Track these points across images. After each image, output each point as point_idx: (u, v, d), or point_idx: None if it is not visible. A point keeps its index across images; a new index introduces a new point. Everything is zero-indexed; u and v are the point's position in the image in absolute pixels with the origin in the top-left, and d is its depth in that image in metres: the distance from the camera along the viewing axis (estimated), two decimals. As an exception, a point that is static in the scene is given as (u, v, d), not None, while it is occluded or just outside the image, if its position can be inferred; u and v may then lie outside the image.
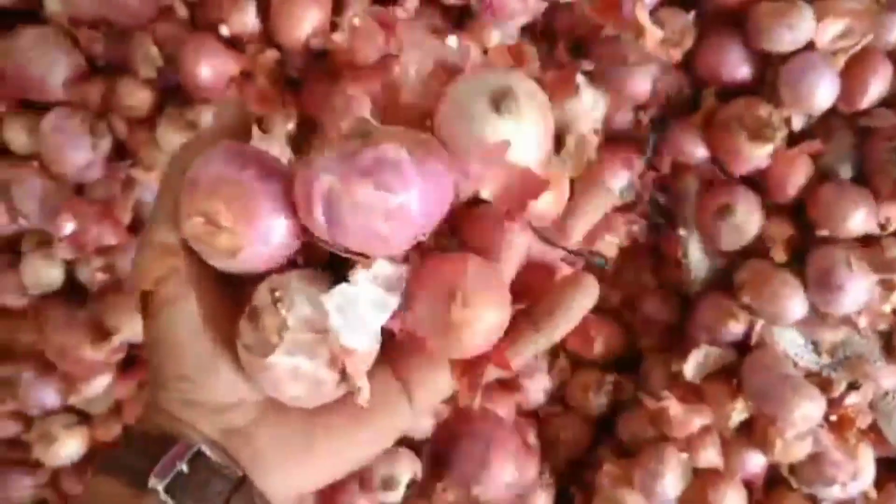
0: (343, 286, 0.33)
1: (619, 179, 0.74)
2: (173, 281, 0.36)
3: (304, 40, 0.72)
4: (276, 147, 0.73)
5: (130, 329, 0.80)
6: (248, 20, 0.72)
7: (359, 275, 0.33)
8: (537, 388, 0.87)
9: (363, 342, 0.34)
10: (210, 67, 0.72)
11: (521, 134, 0.33)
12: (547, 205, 0.36)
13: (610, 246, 0.77)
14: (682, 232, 0.75)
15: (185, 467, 0.34)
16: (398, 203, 0.31)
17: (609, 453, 0.85)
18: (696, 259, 0.76)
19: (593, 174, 0.72)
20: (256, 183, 0.34)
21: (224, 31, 0.72)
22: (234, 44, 0.73)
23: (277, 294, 0.34)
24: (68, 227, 0.77)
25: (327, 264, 0.37)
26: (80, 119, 0.76)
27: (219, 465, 0.35)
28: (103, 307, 0.81)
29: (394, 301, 0.34)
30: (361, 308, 0.34)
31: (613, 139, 0.75)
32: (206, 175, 0.35)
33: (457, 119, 0.33)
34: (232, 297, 0.37)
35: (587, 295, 0.36)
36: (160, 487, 0.34)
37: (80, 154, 0.76)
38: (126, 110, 0.76)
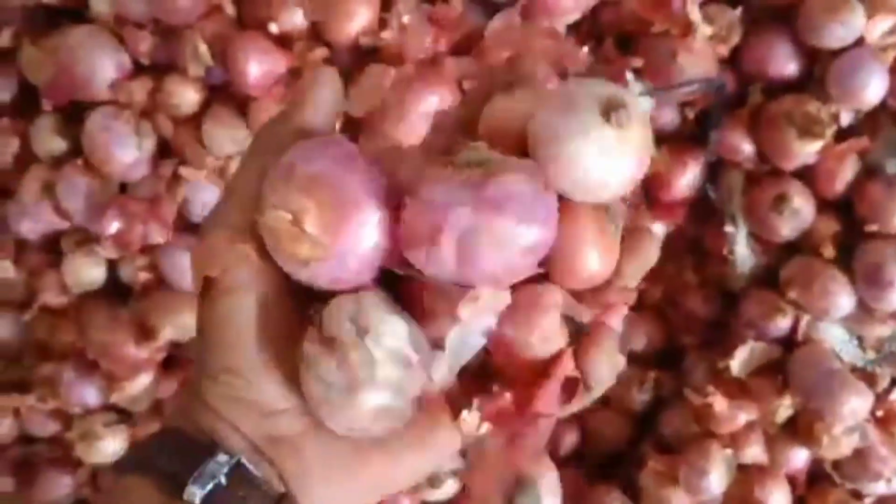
0: (458, 329, 0.31)
1: (690, 175, 0.74)
2: (241, 269, 0.33)
3: (352, 37, 0.72)
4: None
5: (174, 328, 0.80)
6: (296, 18, 0.73)
7: (467, 309, 0.30)
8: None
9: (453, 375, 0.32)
10: (259, 65, 0.72)
11: (623, 150, 0.30)
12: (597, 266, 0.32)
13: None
14: (728, 228, 0.75)
15: (223, 479, 0.32)
16: (536, 238, 0.30)
17: (651, 450, 0.86)
18: (742, 255, 0.77)
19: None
20: (361, 195, 0.31)
21: (273, 28, 0.72)
22: (282, 41, 0.74)
23: (363, 325, 0.30)
24: (114, 225, 0.77)
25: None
26: (125, 118, 0.76)
27: (259, 479, 0.32)
28: (146, 306, 0.81)
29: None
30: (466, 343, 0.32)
31: (663, 138, 0.75)
32: (305, 167, 0.31)
33: (561, 123, 0.30)
34: (296, 299, 0.34)
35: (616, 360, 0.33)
36: (197, 500, 0.32)
37: (126, 152, 0.76)
38: (172, 109, 0.77)
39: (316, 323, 0.31)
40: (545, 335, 0.31)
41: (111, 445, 0.86)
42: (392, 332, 0.31)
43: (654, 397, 0.87)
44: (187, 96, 0.76)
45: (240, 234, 0.33)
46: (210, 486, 0.32)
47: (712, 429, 0.79)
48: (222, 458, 0.32)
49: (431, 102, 0.69)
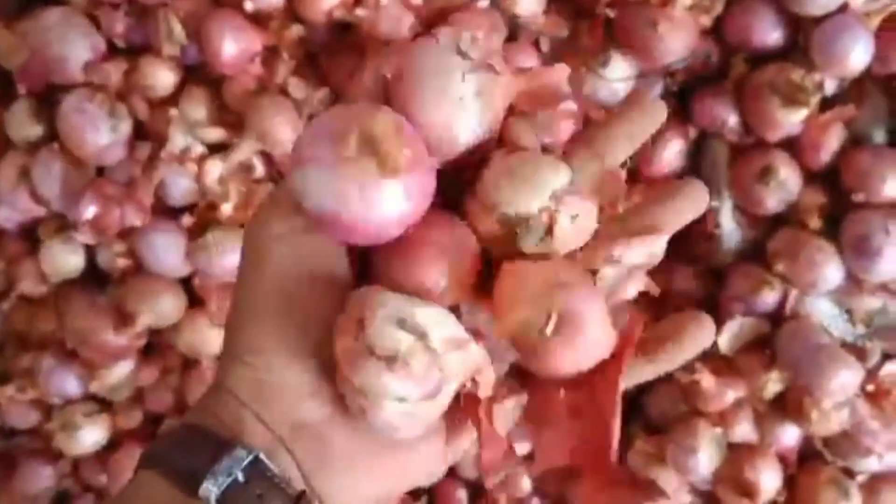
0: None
1: (674, 149, 0.74)
2: (304, 242, 0.33)
3: (328, 14, 0.71)
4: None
5: (152, 313, 0.79)
6: (271, -6, 0.72)
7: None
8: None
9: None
10: (234, 44, 0.71)
11: None
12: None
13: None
14: (714, 202, 0.74)
15: (241, 475, 0.31)
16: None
17: (639, 430, 0.84)
18: (729, 229, 0.76)
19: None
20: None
21: (248, 6, 0.71)
22: (257, 20, 0.72)
23: (415, 323, 0.30)
24: (90, 210, 0.76)
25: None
26: (100, 100, 0.75)
27: (277, 477, 0.32)
28: (125, 292, 0.80)
29: None
30: None
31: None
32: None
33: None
34: (333, 283, 0.33)
35: (705, 333, 0.34)
36: (213, 497, 0.31)
37: (101, 136, 0.75)
38: (147, 90, 0.75)
39: (353, 316, 0.31)
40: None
41: (91, 436, 0.85)
42: (442, 322, 0.31)
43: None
44: (162, 77, 0.75)
45: (289, 212, 0.32)
46: (227, 483, 0.31)
47: (700, 407, 0.78)
48: (240, 453, 0.31)
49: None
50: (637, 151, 0.72)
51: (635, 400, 0.86)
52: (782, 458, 0.79)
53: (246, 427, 0.32)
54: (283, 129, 0.72)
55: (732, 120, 0.74)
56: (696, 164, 0.77)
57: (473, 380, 0.32)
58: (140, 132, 0.77)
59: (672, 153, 0.76)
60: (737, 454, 0.78)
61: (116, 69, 0.75)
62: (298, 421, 0.33)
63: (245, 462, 0.31)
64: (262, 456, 0.32)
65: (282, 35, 0.72)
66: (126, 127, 0.76)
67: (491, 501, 0.86)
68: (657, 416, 0.84)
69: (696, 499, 0.82)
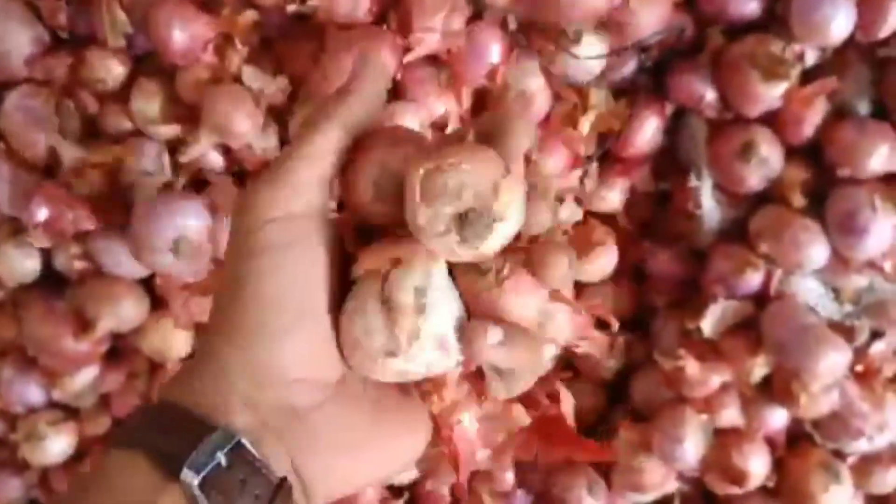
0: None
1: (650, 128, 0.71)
2: (300, 223, 0.33)
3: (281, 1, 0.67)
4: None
5: (112, 317, 0.75)
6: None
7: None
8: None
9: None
10: (184, 32, 0.67)
11: None
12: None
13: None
14: (693, 182, 0.71)
15: (223, 460, 0.30)
16: None
17: (623, 418, 0.82)
18: (709, 208, 0.73)
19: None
20: None
21: (191, -13, 0.67)
22: (207, 5, 0.68)
23: (423, 301, 0.32)
24: (42, 213, 0.72)
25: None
26: (44, 97, 0.71)
27: (260, 462, 0.31)
28: (83, 296, 0.77)
29: None
30: None
31: (621, 91, 0.71)
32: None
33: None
34: (331, 268, 0.34)
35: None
36: (195, 481, 0.30)
37: (47, 135, 0.71)
38: (95, 84, 0.71)
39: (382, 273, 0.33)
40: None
41: (57, 445, 0.82)
42: (444, 317, 0.33)
43: (624, 364, 0.83)
44: (111, 69, 0.71)
45: (307, 186, 0.33)
46: (209, 467, 0.30)
47: (685, 393, 0.76)
48: (223, 436, 0.31)
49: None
50: (611, 131, 0.69)
51: (619, 386, 0.84)
52: (770, 442, 0.77)
53: (232, 408, 0.32)
54: (241, 121, 0.68)
55: (710, 95, 0.70)
56: (673, 142, 0.74)
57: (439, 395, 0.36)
58: (90, 128, 0.74)
59: (649, 131, 0.73)
60: (724, 440, 0.76)
61: (61, 63, 0.71)
62: (288, 405, 0.32)
63: (228, 446, 0.31)
64: (245, 441, 0.31)
65: (234, 21, 0.68)
66: (74, 124, 0.72)
67: (475, 496, 0.83)
68: (641, 402, 0.81)
69: (683, 485, 0.80)
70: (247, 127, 0.69)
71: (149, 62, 0.72)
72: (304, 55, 0.69)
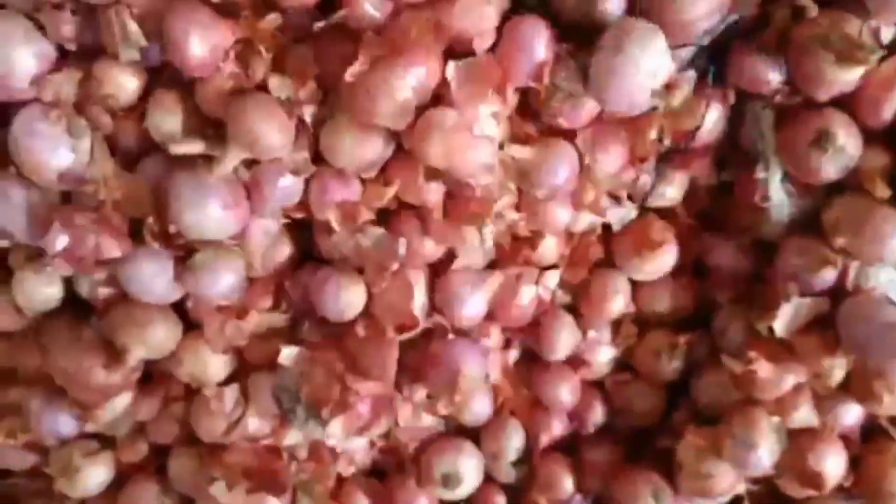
0: None
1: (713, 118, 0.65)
2: None
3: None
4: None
5: (144, 347, 0.71)
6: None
7: None
8: (601, 360, 0.79)
9: None
10: (202, 40, 0.61)
11: None
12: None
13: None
14: (760, 173, 0.66)
15: None
16: None
17: (686, 420, 0.78)
18: (778, 200, 0.67)
19: None
20: None
21: (209, -8, 0.61)
22: (226, 10, 0.62)
23: None
24: (61, 241, 0.67)
25: None
26: (54, 117, 0.66)
27: None
28: (111, 324, 0.72)
29: None
30: None
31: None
32: None
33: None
34: None
35: None
36: None
37: (60, 157, 0.66)
38: (108, 100, 0.66)
39: None
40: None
41: (94, 476, 0.79)
42: None
43: (686, 362, 0.78)
44: (124, 84, 0.65)
45: None
46: None
47: (756, 395, 0.71)
48: None
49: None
50: (670, 123, 0.64)
51: (681, 386, 0.79)
52: (845, 439, 0.73)
53: None
54: (271, 134, 0.63)
55: (776, 78, 0.65)
56: (737, 132, 0.68)
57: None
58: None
59: (710, 121, 0.67)
60: (797, 442, 0.72)
61: (70, 80, 0.65)
62: None
63: None
64: None
65: (255, 26, 0.63)
66: (87, 144, 0.67)
67: (531, 504, 0.80)
68: (706, 404, 0.77)
69: (752, 485, 0.76)
70: (278, 140, 0.63)
71: (165, 74, 0.66)
72: (334, 58, 0.63)
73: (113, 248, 0.67)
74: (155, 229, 0.66)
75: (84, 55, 0.66)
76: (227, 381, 0.76)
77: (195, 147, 0.65)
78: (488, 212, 0.65)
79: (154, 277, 0.69)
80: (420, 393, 0.74)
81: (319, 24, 0.61)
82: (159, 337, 0.72)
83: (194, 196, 0.63)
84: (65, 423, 0.77)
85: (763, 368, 0.69)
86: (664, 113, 0.61)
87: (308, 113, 0.63)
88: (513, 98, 0.63)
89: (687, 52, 0.65)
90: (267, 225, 0.70)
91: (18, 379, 0.78)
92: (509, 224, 0.68)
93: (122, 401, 0.76)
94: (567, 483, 0.80)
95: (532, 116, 0.66)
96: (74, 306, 0.75)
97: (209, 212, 0.64)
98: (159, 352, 0.72)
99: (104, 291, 0.72)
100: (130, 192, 0.66)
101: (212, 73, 0.63)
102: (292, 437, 0.76)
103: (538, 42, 0.61)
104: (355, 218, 0.67)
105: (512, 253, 0.71)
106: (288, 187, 0.66)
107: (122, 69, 0.65)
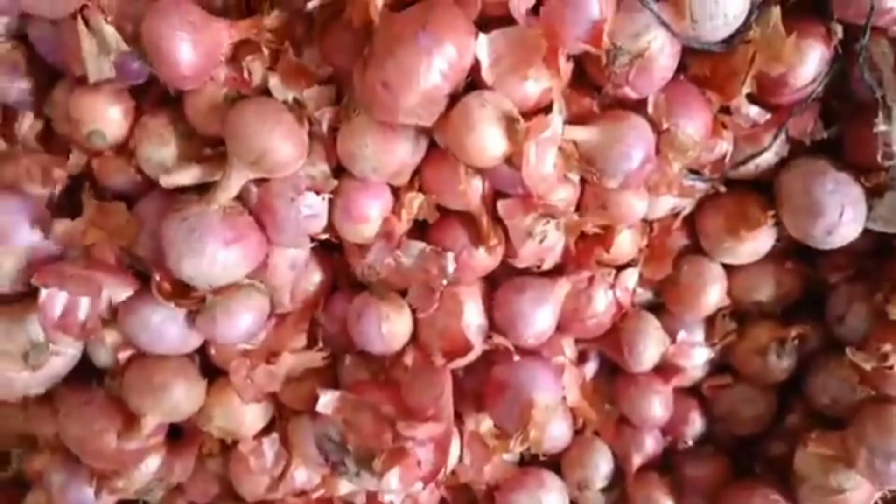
0: None
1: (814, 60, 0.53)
2: None
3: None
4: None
5: (161, 410, 0.62)
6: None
7: None
8: (695, 364, 0.67)
9: None
10: (192, 45, 0.51)
11: None
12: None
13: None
14: (881, 126, 0.53)
15: None
16: None
17: (803, 424, 0.66)
18: (906, 157, 0.55)
19: None
20: None
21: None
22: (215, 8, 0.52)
23: None
24: (55, 307, 0.57)
25: None
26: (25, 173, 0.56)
27: None
28: (125, 385, 0.63)
29: None
30: None
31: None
32: None
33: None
34: None
35: None
36: None
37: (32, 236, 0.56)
38: (94, 137, 0.56)
39: None
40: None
41: (134, 548, 0.70)
42: None
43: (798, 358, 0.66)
44: (92, 107, 0.55)
45: None
46: None
47: (889, 392, 0.59)
48: None
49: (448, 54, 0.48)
50: (766, 73, 0.52)
51: (792, 385, 0.67)
52: None
53: None
54: (280, 147, 0.52)
55: (894, 3, 0.52)
56: (845, 76, 0.56)
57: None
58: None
59: (812, 65, 0.54)
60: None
61: (26, 120, 0.56)
62: None
63: None
64: None
65: (259, 25, 0.52)
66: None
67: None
68: (825, 403, 0.65)
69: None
70: (288, 152, 0.53)
71: (147, 90, 0.56)
72: (342, 49, 0.52)
73: (119, 288, 0.57)
74: (166, 287, 0.56)
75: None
76: (265, 432, 0.67)
77: (189, 175, 0.55)
78: (545, 209, 0.54)
79: (163, 324, 0.59)
80: (486, 423, 0.64)
81: (314, 3, 0.49)
82: (177, 399, 0.63)
83: (188, 240, 0.53)
84: (89, 496, 0.68)
85: (899, 361, 0.57)
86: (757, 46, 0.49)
87: (320, 116, 0.52)
88: (567, 68, 0.52)
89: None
90: (293, 256, 0.59)
91: (40, 445, 0.71)
92: (575, 222, 0.57)
93: (152, 463, 0.67)
94: (666, 503, 0.69)
95: (591, 89, 0.54)
96: (85, 363, 0.66)
97: (209, 255, 0.53)
98: (179, 415, 0.64)
99: (120, 355, 0.63)
100: (116, 223, 0.56)
101: (203, 83, 0.53)
102: (346, 486, 0.67)
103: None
104: (391, 234, 0.56)
105: (581, 255, 0.59)
106: (310, 208, 0.55)
107: (89, 92, 0.55)
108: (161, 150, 0.54)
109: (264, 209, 0.55)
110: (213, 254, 0.53)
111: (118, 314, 0.60)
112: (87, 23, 0.52)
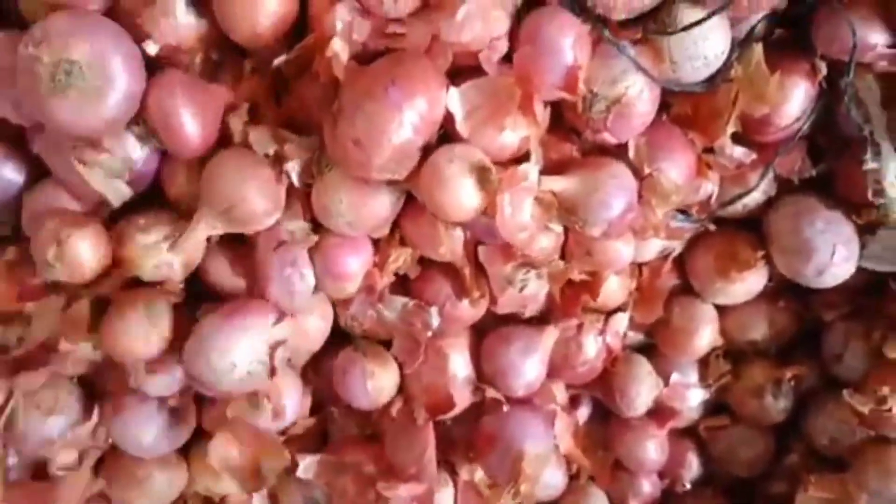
0: None
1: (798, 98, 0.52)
2: None
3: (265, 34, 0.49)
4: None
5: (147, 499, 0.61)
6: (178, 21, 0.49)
7: None
8: (690, 406, 0.65)
9: None
10: (198, 116, 0.49)
11: None
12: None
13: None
14: (871, 163, 0.52)
15: None
16: None
17: (801, 464, 0.65)
18: (894, 194, 0.53)
19: None
20: None
21: (151, 48, 0.48)
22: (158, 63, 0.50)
23: None
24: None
25: None
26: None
27: None
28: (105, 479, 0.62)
29: None
30: None
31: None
32: None
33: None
34: None
35: None
36: None
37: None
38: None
39: None
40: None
41: None
42: None
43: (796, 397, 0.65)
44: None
45: None
46: None
47: (889, 434, 0.57)
48: None
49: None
50: (750, 113, 0.50)
51: (792, 425, 0.66)
52: None
53: None
54: (254, 199, 0.50)
55: (879, 39, 0.50)
56: (832, 113, 0.54)
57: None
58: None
59: (796, 103, 0.53)
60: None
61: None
62: None
63: None
64: None
65: (253, 85, 0.51)
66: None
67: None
68: (824, 444, 0.63)
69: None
70: (262, 206, 0.51)
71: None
72: (312, 102, 0.50)
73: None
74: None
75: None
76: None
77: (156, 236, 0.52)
78: (524, 258, 0.53)
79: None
80: (479, 472, 0.62)
81: (280, 60, 0.48)
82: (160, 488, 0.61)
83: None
84: None
85: (898, 403, 0.55)
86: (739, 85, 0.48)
87: (290, 170, 0.51)
88: (545, 114, 0.50)
89: (757, 21, 0.51)
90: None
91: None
92: (560, 270, 0.55)
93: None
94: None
95: (571, 133, 0.53)
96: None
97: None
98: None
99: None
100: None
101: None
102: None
103: (565, 40, 0.48)
104: (372, 288, 0.54)
105: (568, 302, 0.58)
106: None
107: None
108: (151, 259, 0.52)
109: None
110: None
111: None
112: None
